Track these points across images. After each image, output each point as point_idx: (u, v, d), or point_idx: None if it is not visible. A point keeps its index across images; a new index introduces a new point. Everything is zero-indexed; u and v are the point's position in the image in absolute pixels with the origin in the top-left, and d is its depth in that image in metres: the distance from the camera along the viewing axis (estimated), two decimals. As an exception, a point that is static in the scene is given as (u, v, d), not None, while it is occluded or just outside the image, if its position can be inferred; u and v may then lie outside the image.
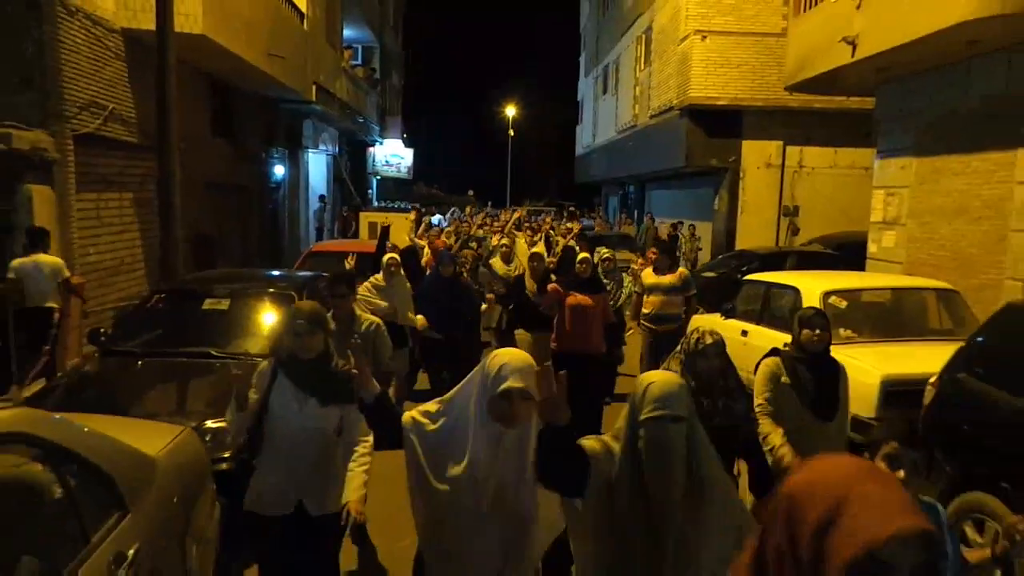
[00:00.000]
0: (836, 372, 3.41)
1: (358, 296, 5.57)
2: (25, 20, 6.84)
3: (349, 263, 6.27)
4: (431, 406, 2.30)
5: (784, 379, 3.35)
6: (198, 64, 10.23)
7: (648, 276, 7.01)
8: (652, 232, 17.90)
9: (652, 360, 6.71)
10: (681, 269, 7.33)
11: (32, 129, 6.79)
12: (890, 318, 5.84)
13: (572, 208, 34.01)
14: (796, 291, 6.07)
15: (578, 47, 31.65)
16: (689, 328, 3.15)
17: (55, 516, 2.21)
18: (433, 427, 2.25)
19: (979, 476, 3.56)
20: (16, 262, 6.38)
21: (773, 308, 6.50)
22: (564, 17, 37.38)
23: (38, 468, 2.18)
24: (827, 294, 5.78)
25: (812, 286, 5.95)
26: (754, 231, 15.47)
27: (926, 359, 4.68)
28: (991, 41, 7.26)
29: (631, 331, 7.13)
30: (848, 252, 10.85)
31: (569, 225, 15.42)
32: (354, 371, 2.59)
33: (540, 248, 8.95)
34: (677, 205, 19.39)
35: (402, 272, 6.09)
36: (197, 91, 10.76)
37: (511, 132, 44.77)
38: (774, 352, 3.57)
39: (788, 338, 6.00)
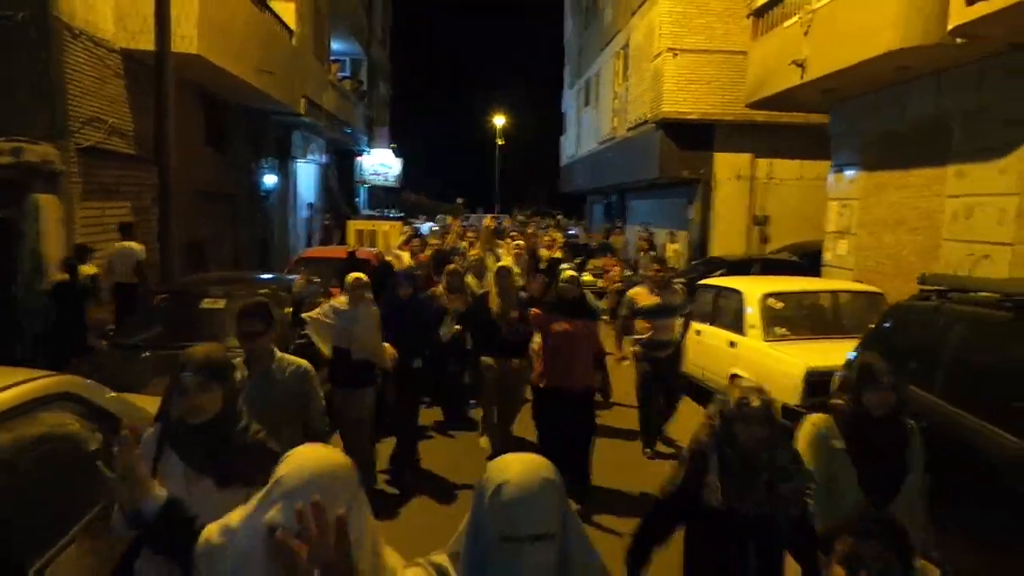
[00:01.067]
0: (904, 441, 2.66)
1: (310, 319, 5.10)
2: (35, 43, 7.40)
3: (299, 285, 5.58)
4: (237, 513, 1.62)
5: (837, 443, 2.65)
6: (192, 79, 10.80)
7: (643, 297, 6.08)
8: (645, 245, 17.28)
9: (648, 392, 6.15)
10: (677, 286, 6.49)
11: (41, 143, 7.35)
12: (821, 318, 6.49)
13: (559, 217, 34.77)
14: (740, 294, 6.74)
15: (563, 59, 32.42)
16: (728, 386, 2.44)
17: (93, 461, 2.79)
18: (220, 548, 1.61)
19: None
20: (112, 246, 8.52)
21: (721, 309, 7.15)
22: (550, 29, 38.38)
23: (82, 423, 2.77)
24: (766, 296, 6.45)
25: (753, 289, 6.62)
26: (726, 240, 16.16)
27: (847, 353, 5.32)
28: (920, 67, 7.98)
29: (626, 361, 6.23)
30: (813, 260, 11.55)
31: (553, 236, 14.11)
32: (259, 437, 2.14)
33: (507, 261, 7.73)
34: (654, 214, 20.10)
35: (369, 295, 5.08)
36: (190, 104, 11.32)
37: (499, 141, 45.54)
38: (821, 407, 2.96)
39: (735, 336, 6.72)
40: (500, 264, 6.21)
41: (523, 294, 6.01)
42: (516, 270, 6.89)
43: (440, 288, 6.61)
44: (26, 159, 7.04)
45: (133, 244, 8.53)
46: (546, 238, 13.38)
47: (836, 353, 5.71)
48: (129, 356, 5.40)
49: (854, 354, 4.75)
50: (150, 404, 3.46)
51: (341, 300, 5.09)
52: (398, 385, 5.39)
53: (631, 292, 6.31)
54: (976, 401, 3.43)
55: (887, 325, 4.55)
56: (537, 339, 5.54)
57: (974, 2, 6.11)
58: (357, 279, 5.01)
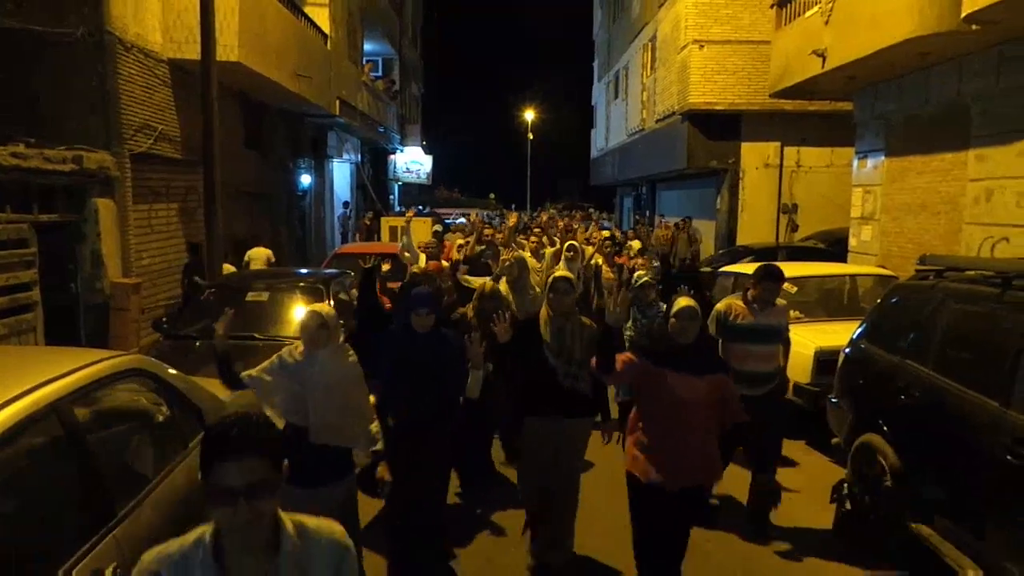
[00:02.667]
0: None
1: (249, 379, 3.22)
2: (91, 57, 7.97)
3: (219, 335, 3.38)
4: None
5: None
6: (233, 85, 11.34)
7: (743, 313, 4.62)
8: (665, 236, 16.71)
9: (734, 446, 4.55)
10: (782, 301, 4.82)
11: (98, 150, 7.91)
12: (835, 301, 6.69)
13: (591, 210, 34.83)
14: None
15: (592, 53, 32.55)
16: None
17: (163, 429, 3.22)
18: None
19: (868, 420, 4.43)
20: (249, 253, 10.80)
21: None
22: (579, 23, 38.54)
23: (151, 396, 3.19)
24: (780, 281, 6.65)
25: (769, 274, 6.83)
26: (754, 228, 16.24)
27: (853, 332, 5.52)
28: (941, 53, 8.05)
29: None
30: (842, 246, 11.64)
31: (602, 234, 10.44)
32: None
33: (562, 269, 5.87)
34: (683, 205, 20.20)
35: (339, 338, 3.29)
36: (231, 108, 11.88)
37: (530, 136, 45.85)
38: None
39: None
40: (556, 274, 3.91)
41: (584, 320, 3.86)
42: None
43: (469, 311, 4.79)
44: (86, 166, 7.60)
45: (264, 250, 10.98)
46: (593, 234, 10.16)
47: (847, 334, 5.92)
48: (181, 346, 5.88)
49: (860, 331, 4.99)
50: (212, 387, 3.90)
51: (294, 348, 3.24)
52: (403, 466, 3.47)
53: (724, 304, 4.77)
54: (962, 370, 3.66)
55: (889, 303, 4.77)
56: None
57: (985, -11, 6.23)
58: (313, 315, 3.15)
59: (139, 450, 3.06)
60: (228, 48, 9.53)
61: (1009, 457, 3.11)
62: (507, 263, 5.71)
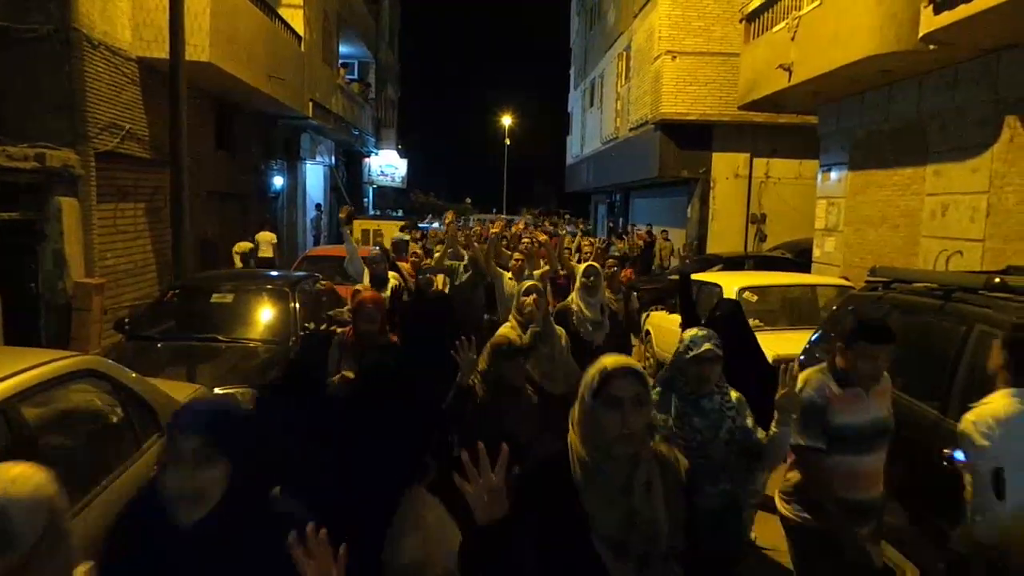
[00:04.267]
0: None
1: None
2: (57, 54, 7.87)
3: None
4: None
5: None
6: (204, 85, 11.25)
7: (841, 400, 2.86)
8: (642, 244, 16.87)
9: None
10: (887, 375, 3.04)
11: (62, 148, 7.81)
12: (793, 310, 6.84)
13: (567, 215, 34.96)
14: (719, 287, 7.09)
15: (569, 60, 32.78)
16: None
17: (116, 430, 3.21)
18: None
19: (819, 426, 4.54)
20: (258, 235, 13.01)
21: (702, 303, 7.49)
22: (557, 30, 38.88)
23: (105, 397, 3.18)
24: (742, 290, 6.80)
25: (731, 283, 6.98)
26: (724, 237, 16.49)
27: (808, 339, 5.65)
28: (901, 71, 8.29)
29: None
30: (807, 257, 11.88)
31: (590, 240, 8.92)
32: None
33: (577, 302, 4.56)
34: (656, 213, 20.43)
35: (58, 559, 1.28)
36: (202, 109, 11.78)
37: (507, 141, 46.02)
38: None
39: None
40: (609, 363, 1.67)
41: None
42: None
43: (477, 382, 3.01)
44: (49, 164, 7.51)
45: (270, 234, 13.32)
46: (586, 243, 8.22)
47: (803, 342, 6.07)
48: (143, 347, 5.82)
49: (814, 338, 5.13)
50: (170, 388, 3.89)
51: None
52: None
53: (810, 378, 2.98)
54: (906, 378, 3.78)
55: (843, 312, 4.90)
56: None
57: (940, 12, 6.45)
58: None
59: (90, 451, 3.06)
60: (199, 48, 9.47)
61: (944, 463, 3.23)
62: (529, 303, 3.77)
